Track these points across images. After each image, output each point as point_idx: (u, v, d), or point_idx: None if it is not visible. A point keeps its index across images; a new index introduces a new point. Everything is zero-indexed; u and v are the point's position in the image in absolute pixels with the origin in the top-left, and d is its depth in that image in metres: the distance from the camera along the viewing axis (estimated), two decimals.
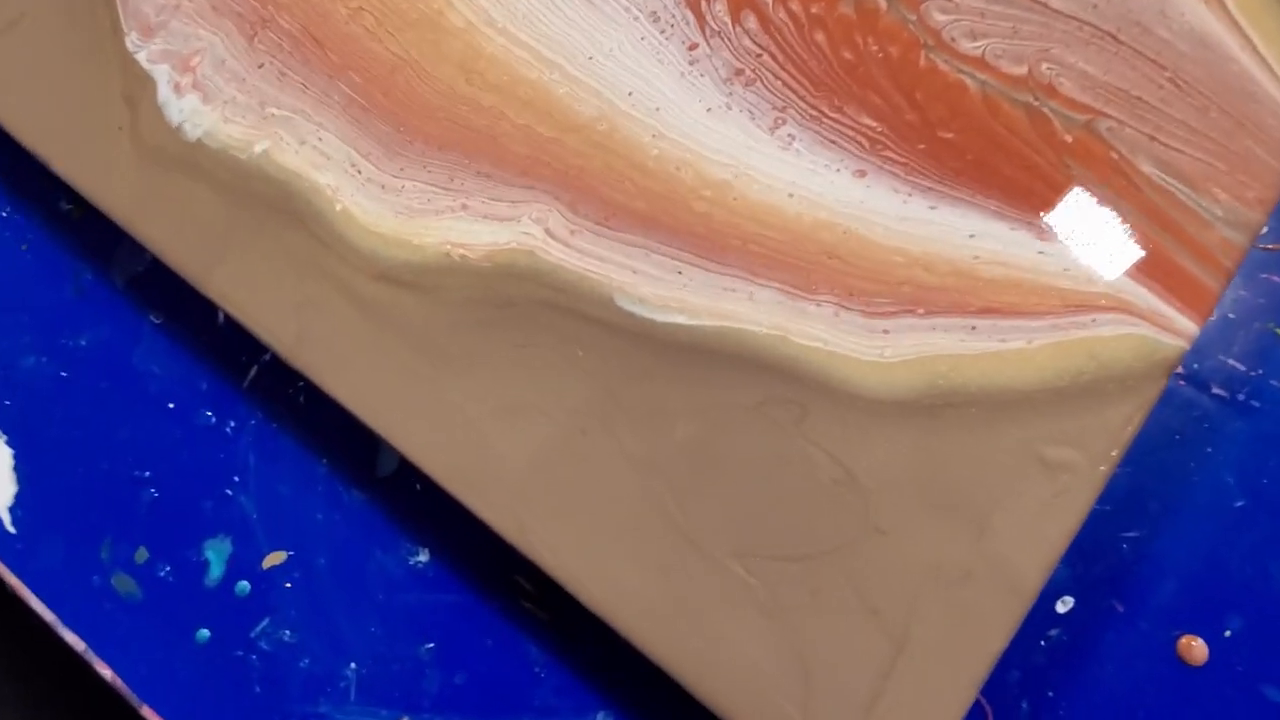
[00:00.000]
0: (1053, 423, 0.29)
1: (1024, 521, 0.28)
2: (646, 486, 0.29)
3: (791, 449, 0.29)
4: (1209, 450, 0.34)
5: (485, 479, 0.30)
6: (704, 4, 0.34)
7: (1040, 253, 0.31)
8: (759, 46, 0.34)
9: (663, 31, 0.34)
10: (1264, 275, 0.36)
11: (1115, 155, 0.31)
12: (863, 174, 0.32)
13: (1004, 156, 0.32)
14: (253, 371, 0.38)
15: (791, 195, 0.32)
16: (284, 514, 0.36)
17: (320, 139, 0.34)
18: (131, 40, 0.37)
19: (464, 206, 0.33)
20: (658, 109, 0.33)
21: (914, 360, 0.30)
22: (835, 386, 0.30)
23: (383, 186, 0.34)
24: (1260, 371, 0.34)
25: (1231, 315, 0.35)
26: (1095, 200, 0.30)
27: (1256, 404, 0.34)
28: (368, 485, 0.36)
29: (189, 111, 0.35)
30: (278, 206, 0.34)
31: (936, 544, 0.28)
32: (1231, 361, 0.35)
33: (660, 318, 0.31)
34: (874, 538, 0.29)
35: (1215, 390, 0.34)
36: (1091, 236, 0.31)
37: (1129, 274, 0.30)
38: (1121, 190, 0.31)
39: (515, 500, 0.30)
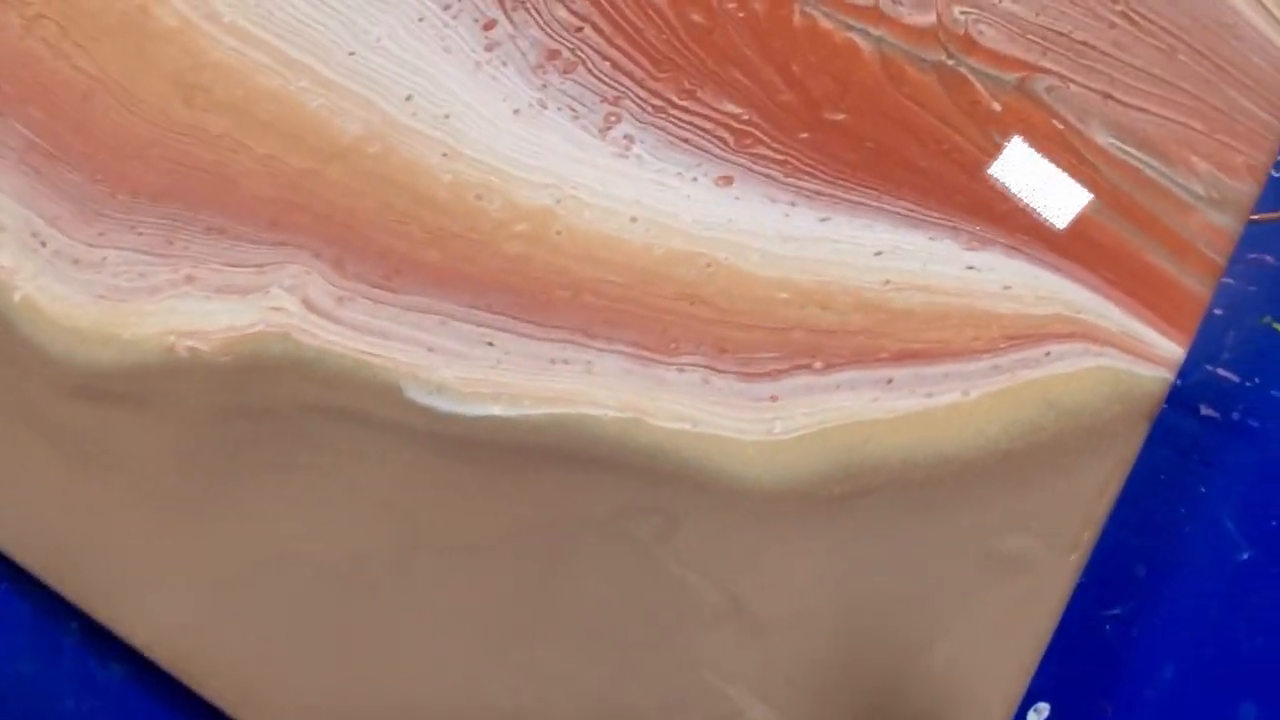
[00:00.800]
0: (1004, 501, 0.22)
1: (979, 641, 0.21)
2: (468, 653, 0.21)
3: (659, 576, 0.22)
4: (1202, 490, 0.27)
5: (242, 669, 0.21)
6: None
7: (971, 268, 0.24)
8: (578, 17, 0.26)
9: (447, 8, 0.26)
10: (1254, 255, 0.29)
11: (1059, 124, 0.24)
12: (728, 181, 0.25)
13: (914, 140, 0.24)
14: None
15: (635, 220, 0.24)
16: (26, 703, 0.28)
17: None
18: None
19: (189, 279, 0.25)
20: (447, 116, 0.25)
21: (814, 434, 0.22)
22: (711, 482, 0.22)
23: (76, 261, 0.24)
24: (1257, 380, 0.27)
25: (1218, 311, 0.29)
26: (1038, 187, 0.22)
27: (1255, 423, 0.28)
28: (131, 655, 0.27)
29: None
30: None
31: (868, 689, 0.22)
32: (1222, 371, 0.28)
33: (469, 410, 0.23)
34: (784, 692, 0.22)
35: (1204, 411, 0.28)
36: (1036, 238, 0.24)
37: (1089, 285, 0.23)
38: (1072, 170, 0.24)
39: (281, 693, 0.21)
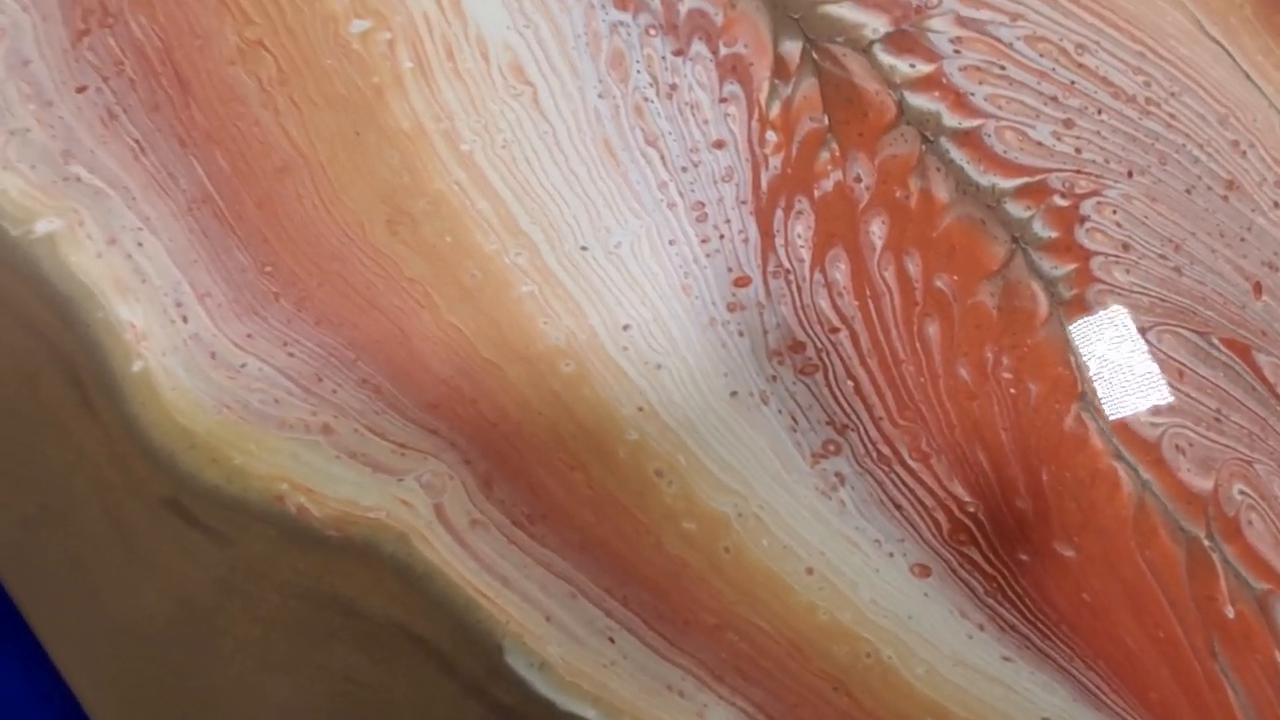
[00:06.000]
0: None
1: None
2: None
3: None
4: None
5: None
6: (777, 218, 0.24)
7: None
8: (839, 316, 0.23)
9: (705, 241, 0.23)
10: None
11: None
12: (925, 572, 0.23)
13: (1134, 612, 0.22)
14: None
15: (811, 572, 0.23)
16: None
17: (141, 244, 0.23)
18: None
19: (325, 429, 0.23)
20: (659, 367, 0.23)
21: None
22: None
23: (214, 355, 0.22)
24: None
25: None
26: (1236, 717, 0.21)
27: None
28: None
29: None
30: (41, 332, 0.22)
31: None
32: None
33: (563, 701, 0.22)
34: None
35: None
36: None
37: None
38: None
39: None
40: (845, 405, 0.23)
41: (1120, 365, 0.23)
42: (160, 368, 0.23)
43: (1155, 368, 0.23)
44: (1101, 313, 0.23)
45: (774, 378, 0.23)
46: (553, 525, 0.23)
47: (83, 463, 0.22)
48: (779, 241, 0.23)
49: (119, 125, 0.24)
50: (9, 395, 0.23)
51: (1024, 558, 0.23)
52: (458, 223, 0.23)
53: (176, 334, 0.23)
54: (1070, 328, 0.23)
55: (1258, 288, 0.23)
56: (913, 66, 0.24)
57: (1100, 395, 0.23)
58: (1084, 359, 0.23)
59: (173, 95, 0.24)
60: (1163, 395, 0.23)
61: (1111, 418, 0.23)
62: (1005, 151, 0.24)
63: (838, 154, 0.23)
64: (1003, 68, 0.24)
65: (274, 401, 0.23)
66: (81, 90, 0.24)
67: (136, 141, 0.23)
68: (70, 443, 0.22)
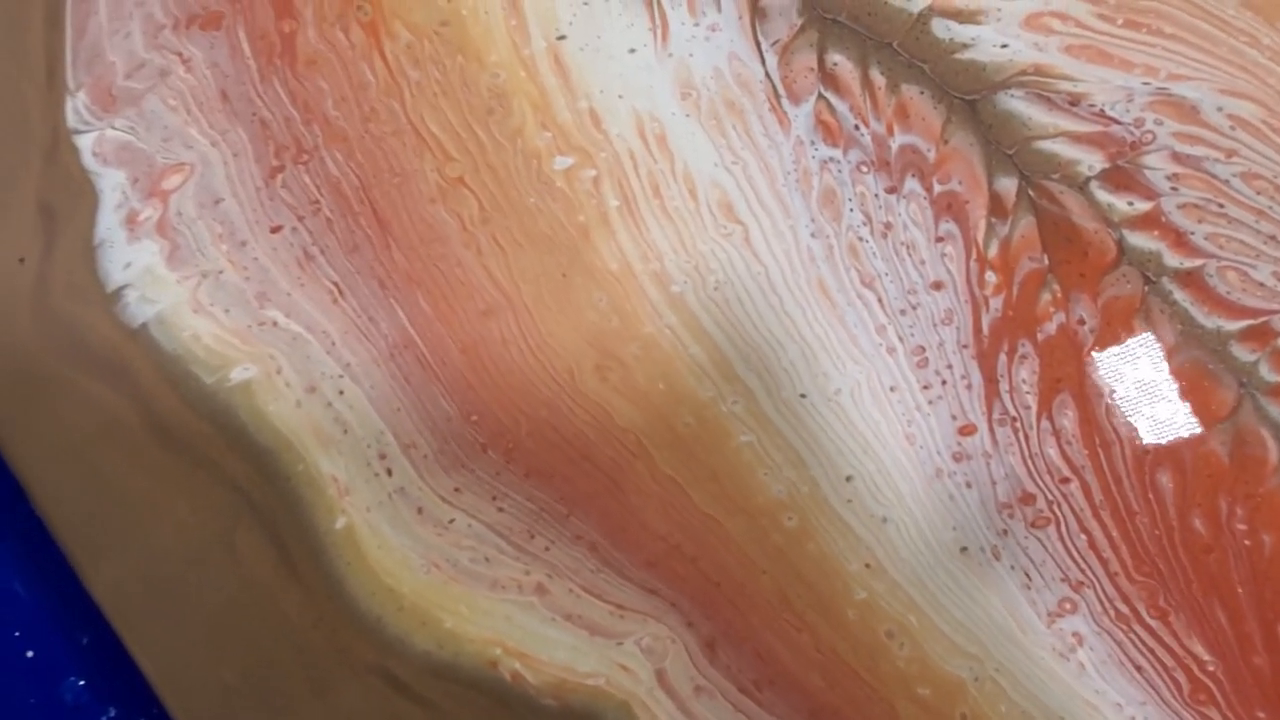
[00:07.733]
0: None
1: None
2: None
3: None
4: None
5: None
6: (1000, 362, 0.23)
7: None
8: (1070, 466, 0.23)
9: (927, 388, 0.23)
10: None
11: None
12: None
13: None
14: None
15: None
16: None
17: (342, 391, 0.22)
18: (77, 107, 0.24)
19: (539, 589, 0.22)
20: (885, 520, 0.23)
21: None
22: None
23: (420, 510, 0.22)
24: None
25: None
26: None
27: None
28: None
29: (140, 271, 0.23)
30: (239, 485, 0.22)
31: None
32: None
33: None
34: None
35: None
36: None
37: None
38: None
39: None
40: (1080, 560, 0.23)
41: None
42: (365, 524, 0.22)
43: None
44: None
45: (1005, 532, 0.23)
46: (781, 692, 0.22)
47: (286, 627, 0.22)
48: (1004, 387, 0.23)
49: (316, 267, 0.23)
50: (206, 554, 0.22)
51: (1262, 715, 0.22)
52: (670, 368, 0.23)
53: (381, 488, 0.22)
54: None
55: None
56: (1130, 204, 0.24)
57: None
58: None
59: (372, 235, 0.23)
60: None
61: None
62: (1228, 292, 0.24)
63: (1059, 295, 0.23)
64: (1221, 205, 0.24)
65: (484, 560, 0.22)
66: (276, 230, 0.23)
67: (335, 284, 0.23)
68: (272, 605, 0.22)
